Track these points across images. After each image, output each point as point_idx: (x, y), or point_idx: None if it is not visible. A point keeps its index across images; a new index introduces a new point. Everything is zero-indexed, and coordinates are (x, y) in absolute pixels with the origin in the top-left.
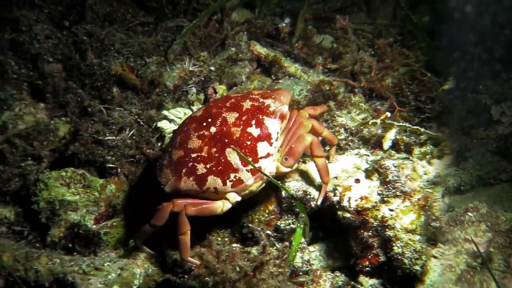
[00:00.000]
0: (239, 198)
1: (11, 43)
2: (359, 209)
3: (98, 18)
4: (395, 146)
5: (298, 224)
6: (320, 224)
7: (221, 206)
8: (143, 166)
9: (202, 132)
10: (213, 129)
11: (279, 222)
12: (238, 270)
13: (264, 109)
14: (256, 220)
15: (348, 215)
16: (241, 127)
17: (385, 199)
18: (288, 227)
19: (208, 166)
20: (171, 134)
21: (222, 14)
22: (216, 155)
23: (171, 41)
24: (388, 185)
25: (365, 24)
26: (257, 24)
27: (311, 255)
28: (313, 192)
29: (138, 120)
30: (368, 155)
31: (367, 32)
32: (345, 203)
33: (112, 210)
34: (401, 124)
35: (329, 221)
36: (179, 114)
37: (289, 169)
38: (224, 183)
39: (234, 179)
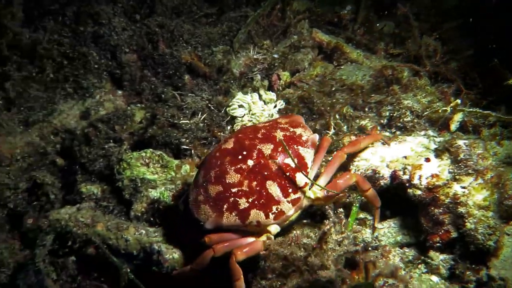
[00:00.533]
0: (279, 229)
1: (92, 36)
2: (430, 186)
3: (167, 10)
4: (462, 127)
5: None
6: (388, 203)
7: (264, 240)
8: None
9: (239, 166)
10: (250, 162)
11: (346, 199)
12: (304, 247)
13: (297, 139)
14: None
15: (418, 192)
16: (279, 158)
17: (457, 177)
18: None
19: (250, 200)
20: (242, 118)
21: (284, 4)
22: (257, 188)
23: (236, 30)
24: (460, 164)
25: (430, 9)
26: (318, 12)
27: (379, 232)
28: (382, 171)
29: (209, 105)
30: (435, 136)
31: (432, 16)
32: (415, 181)
33: (187, 187)
34: (471, 109)
35: (397, 200)
36: (246, 99)
37: (327, 203)
38: (267, 216)
39: (276, 211)
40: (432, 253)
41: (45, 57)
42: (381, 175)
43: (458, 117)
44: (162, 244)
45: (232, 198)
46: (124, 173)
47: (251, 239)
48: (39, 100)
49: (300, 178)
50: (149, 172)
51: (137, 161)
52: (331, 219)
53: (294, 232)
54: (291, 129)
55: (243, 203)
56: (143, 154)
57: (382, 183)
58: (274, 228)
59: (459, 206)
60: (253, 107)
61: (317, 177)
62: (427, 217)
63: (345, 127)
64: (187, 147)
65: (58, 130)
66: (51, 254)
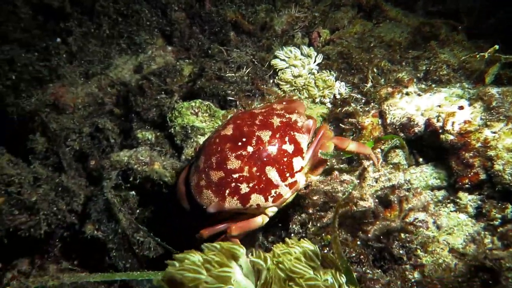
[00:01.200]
0: (276, 210)
1: None
2: (462, 132)
3: None
4: (498, 80)
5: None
6: (421, 150)
7: (261, 221)
8: (258, 100)
9: (240, 152)
10: (250, 149)
11: (383, 146)
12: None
13: (293, 125)
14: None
15: (451, 137)
16: (277, 145)
17: (488, 123)
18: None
19: (250, 185)
20: (283, 70)
21: None
22: (257, 174)
23: None
24: (492, 111)
25: None
26: None
27: (412, 176)
28: (417, 119)
29: (253, 60)
30: (470, 88)
31: None
32: (448, 127)
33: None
34: (508, 56)
35: (429, 147)
36: (290, 54)
37: (318, 177)
38: (266, 199)
39: (275, 195)
40: (460, 194)
41: (102, 14)
42: (415, 122)
43: (493, 70)
44: None
45: (234, 184)
46: (175, 121)
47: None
48: (97, 54)
49: (297, 163)
50: (198, 121)
51: (187, 110)
52: (369, 160)
53: (335, 172)
54: (287, 115)
55: (244, 188)
56: (193, 104)
57: (416, 130)
58: (272, 210)
59: (488, 150)
60: (294, 61)
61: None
62: (457, 161)
63: (382, 80)
64: (233, 99)
65: (114, 83)
66: (115, 188)
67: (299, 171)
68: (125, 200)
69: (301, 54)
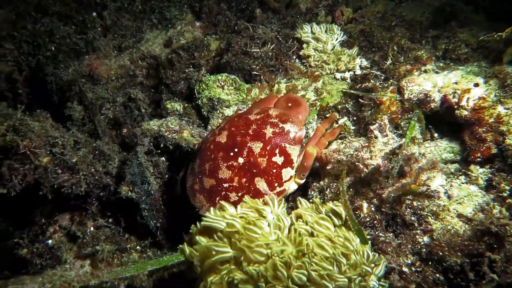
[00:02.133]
0: None
1: None
2: (476, 107)
3: None
4: None
5: (413, 118)
6: (436, 125)
7: None
8: (281, 75)
9: (231, 163)
10: (241, 160)
11: (399, 120)
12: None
13: (285, 136)
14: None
15: (465, 113)
16: (267, 157)
17: (502, 100)
18: (408, 125)
19: (239, 194)
20: (307, 46)
21: None
22: (247, 184)
23: None
24: (506, 88)
25: None
26: None
27: (426, 150)
28: (434, 95)
29: (278, 36)
30: (487, 67)
31: None
32: (463, 103)
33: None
34: None
35: (444, 123)
36: (314, 29)
37: (304, 180)
38: None
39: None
40: (472, 167)
41: None
42: (432, 98)
43: (511, 49)
44: None
45: (224, 192)
46: (203, 93)
47: None
48: (130, 28)
49: (286, 173)
50: (224, 93)
51: (214, 83)
52: (376, 124)
53: (346, 139)
54: (280, 125)
55: (233, 196)
56: (219, 77)
57: (432, 106)
58: None
59: (501, 125)
60: (319, 35)
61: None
62: (471, 136)
63: (401, 58)
64: (257, 73)
65: (145, 56)
66: (147, 154)
67: (288, 180)
68: (155, 165)
69: (325, 31)
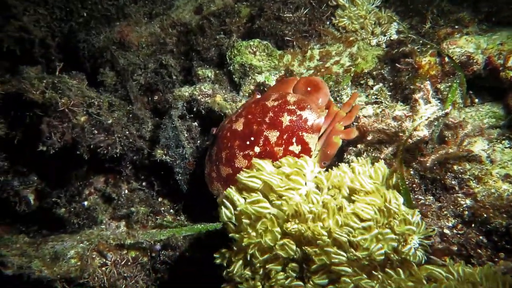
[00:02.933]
0: None
1: None
2: None
3: None
4: None
5: (455, 81)
6: (478, 89)
7: None
8: (315, 41)
9: (247, 152)
10: (257, 149)
11: (439, 85)
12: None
13: (303, 124)
14: (417, 84)
15: (511, 74)
16: (283, 146)
17: None
18: (448, 89)
19: None
20: (342, 9)
21: None
22: None
23: None
24: None
25: None
26: None
27: (466, 115)
28: (477, 57)
29: (311, 1)
30: None
31: None
32: (510, 63)
33: (289, 74)
34: None
35: (486, 88)
36: None
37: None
38: None
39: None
40: None
41: None
42: (475, 60)
43: None
44: None
45: None
46: (234, 59)
47: None
48: None
49: None
50: (256, 60)
51: (246, 49)
52: (420, 93)
53: (386, 110)
54: (298, 112)
55: None
56: (251, 43)
57: (475, 69)
58: None
59: None
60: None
61: None
62: None
63: (441, 21)
64: (290, 39)
65: (175, 23)
66: (180, 118)
67: None
68: (188, 130)
69: None
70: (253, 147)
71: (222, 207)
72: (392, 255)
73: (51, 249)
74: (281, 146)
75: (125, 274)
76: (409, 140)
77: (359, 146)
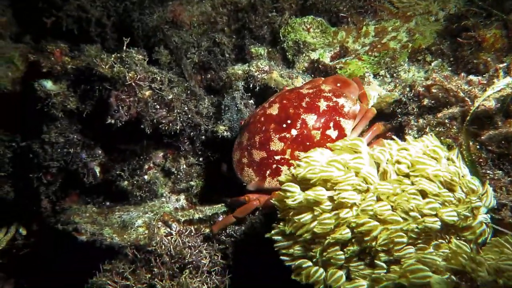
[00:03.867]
0: None
1: None
2: None
3: None
4: None
5: None
6: None
7: None
8: (370, 17)
9: (283, 135)
10: (294, 132)
11: (505, 58)
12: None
13: (339, 110)
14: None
15: None
16: (321, 130)
17: None
18: None
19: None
20: None
21: None
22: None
23: None
24: None
25: None
26: None
27: None
28: None
29: None
30: None
31: None
32: None
33: (343, 51)
34: None
35: None
36: None
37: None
38: None
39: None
40: None
41: None
42: None
43: None
44: None
45: (275, 165)
46: (288, 36)
47: None
48: None
49: None
50: (310, 36)
51: (299, 26)
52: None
53: (461, 73)
54: (334, 99)
55: (285, 170)
56: (305, 20)
57: None
58: None
59: None
60: None
61: None
62: None
63: None
64: (344, 15)
65: (226, 2)
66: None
67: None
68: (245, 107)
69: None
70: (290, 130)
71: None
72: (459, 227)
73: (118, 219)
74: (318, 129)
75: (189, 244)
76: (471, 108)
77: (421, 120)
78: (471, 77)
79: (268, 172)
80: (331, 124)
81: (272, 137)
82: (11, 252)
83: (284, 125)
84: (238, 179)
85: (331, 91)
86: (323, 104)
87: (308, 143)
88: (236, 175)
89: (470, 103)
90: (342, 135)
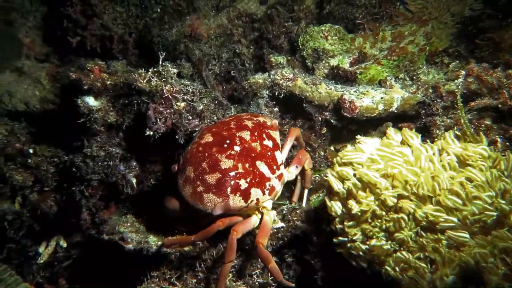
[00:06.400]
0: (271, 204)
1: None
2: None
3: None
4: None
5: None
6: None
7: (257, 220)
8: (386, 22)
9: (229, 153)
10: (237, 148)
11: None
12: None
13: (264, 124)
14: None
15: None
16: (259, 141)
17: None
18: None
19: (248, 180)
20: None
21: None
22: (251, 169)
23: None
24: None
25: None
26: None
27: None
28: None
29: None
30: None
31: None
32: None
33: (362, 57)
34: None
35: None
36: None
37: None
38: (263, 193)
39: (269, 187)
40: None
41: None
42: None
43: None
44: (351, 95)
45: (233, 181)
46: (307, 44)
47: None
48: None
49: (278, 156)
50: (328, 44)
51: (318, 34)
52: None
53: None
54: (255, 119)
55: (243, 183)
56: (323, 28)
57: None
58: (268, 204)
59: None
60: None
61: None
62: None
63: None
64: (361, 22)
65: (241, 14)
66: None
67: (281, 164)
68: (270, 112)
69: None
70: (232, 147)
71: (332, 182)
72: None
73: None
74: (256, 141)
75: None
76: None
77: (448, 120)
78: (510, 71)
79: (229, 189)
80: (264, 136)
81: (219, 157)
82: (53, 264)
83: (225, 145)
84: (199, 211)
85: (248, 115)
86: (249, 123)
87: (253, 154)
88: (196, 207)
89: (507, 95)
90: (275, 144)
